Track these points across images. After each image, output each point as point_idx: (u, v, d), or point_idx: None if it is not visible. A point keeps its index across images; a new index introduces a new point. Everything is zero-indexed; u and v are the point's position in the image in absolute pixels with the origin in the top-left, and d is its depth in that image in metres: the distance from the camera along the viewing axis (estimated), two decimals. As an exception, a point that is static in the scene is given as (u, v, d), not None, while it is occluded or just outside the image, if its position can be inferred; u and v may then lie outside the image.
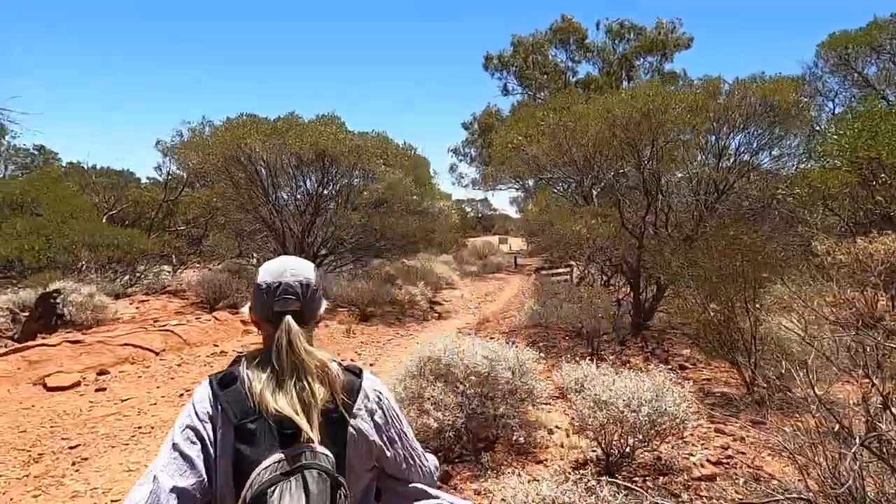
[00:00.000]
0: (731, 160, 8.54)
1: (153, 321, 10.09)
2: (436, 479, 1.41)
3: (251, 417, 1.11)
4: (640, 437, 3.32)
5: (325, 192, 13.30)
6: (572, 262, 15.07)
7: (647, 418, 3.28)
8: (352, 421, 1.19)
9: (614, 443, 3.54)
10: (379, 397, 1.28)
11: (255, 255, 17.58)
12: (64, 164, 31.17)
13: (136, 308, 13.18)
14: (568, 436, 4.57)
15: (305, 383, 1.15)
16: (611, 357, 7.87)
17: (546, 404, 5.02)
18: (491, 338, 10.07)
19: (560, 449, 4.33)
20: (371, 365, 7.85)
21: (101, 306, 10.71)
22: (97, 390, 5.98)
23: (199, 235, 21.59)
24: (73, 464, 4.11)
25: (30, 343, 7.01)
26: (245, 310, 1.37)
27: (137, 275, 17.02)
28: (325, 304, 1.36)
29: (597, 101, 8.60)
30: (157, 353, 7.55)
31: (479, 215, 63.68)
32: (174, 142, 13.93)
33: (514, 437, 4.05)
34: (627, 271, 9.18)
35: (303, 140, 12.13)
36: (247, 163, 12.50)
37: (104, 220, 20.80)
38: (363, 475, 1.24)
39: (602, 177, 9.29)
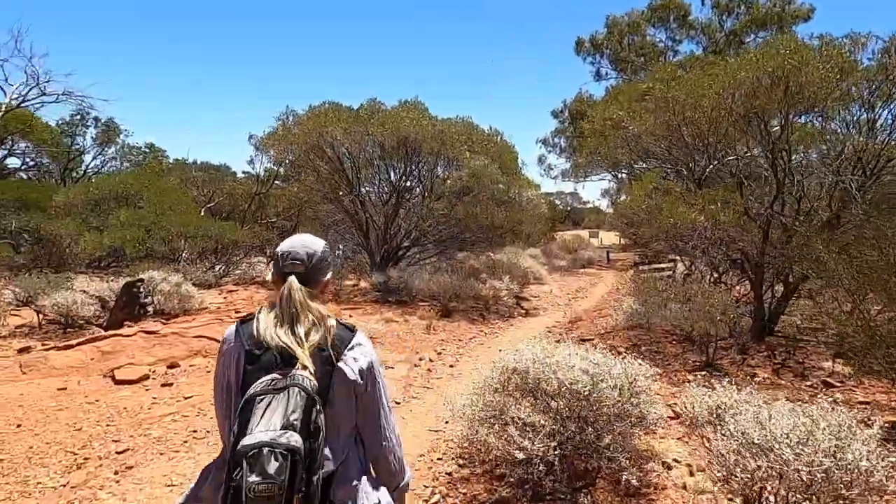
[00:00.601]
0: (888, 133, 6.99)
1: (235, 311, 9.98)
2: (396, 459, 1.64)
3: (259, 347, 1.45)
4: (817, 501, 2.33)
5: (409, 182, 12.78)
6: (675, 257, 13.61)
7: (824, 474, 2.29)
8: (338, 362, 1.49)
9: (769, 499, 2.57)
10: (363, 352, 1.56)
11: (340, 246, 17.53)
12: (171, 161, 33.22)
13: (224, 298, 13.33)
14: (692, 474, 3.60)
15: (299, 326, 1.47)
16: (731, 367, 6.68)
17: (654, 424, 4.05)
18: (584, 340, 9.07)
19: (682, 492, 3.38)
20: (451, 366, 7.16)
21: (187, 296, 10.79)
22: (163, 385, 5.70)
23: (290, 227, 21.98)
24: (116, 473, 3.70)
25: (105, 333, 6.93)
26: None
27: (230, 265, 17.49)
28: (329, 275, 1.68)
29: (715, 66, 7.33)
30: (230, 346, 7.27)
31: (569, 208, 61.52)
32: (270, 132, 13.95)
33: (623, 477, 3.16)
34: (748, 266, 7.85)
35: (385, 126, 11.64)
36: (329, 152, 12.21)
37: (202, 213, 21.71)
38: (344, 408, 1.50)
39: (717, 158, 8.00)
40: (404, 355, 7.62)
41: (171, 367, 6.29)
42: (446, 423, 4.76)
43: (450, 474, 3.78)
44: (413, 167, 12.24)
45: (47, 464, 3.84)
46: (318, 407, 1.34)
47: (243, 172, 26.95)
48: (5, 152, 31.58)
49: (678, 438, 4.21)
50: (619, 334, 8.75)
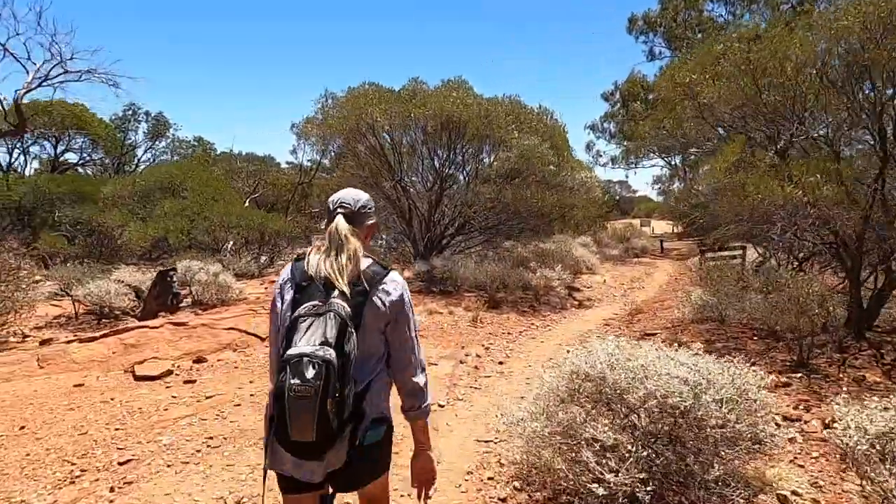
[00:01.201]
0: None
1: (273, 303, 9.55)
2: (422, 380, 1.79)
3: (306, 279, 1.65)
4: None
5: (453, 166, 12.07)
6: (743, 244, 12.42)
7: None
8: (371, 294, 1.66)
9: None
10: (394, 287, 1.72)
11: (383, 235, 17.01)
12: (218, 154, 33.61)
13: (266, 288, 13.00)
14: (819, 512, 2.78)
15: (343, 257, 1.66)
16: (830, 369, 5.70)
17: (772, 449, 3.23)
18: (648, 334, 8.18)
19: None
20: (500, 363, 6.44)
21: (225, 286, 10.44)
22: (185, 382, 5.20)
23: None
24: (111, 490, 3.16)
25: (130, 325, 6.53)
26: None
27: (274, 256, 17.27)
28: (372, 220, 1.86)
29: (807, 16, 6.28)
30: (262, 340, 6.77)
31: (618, 197, 59.53)
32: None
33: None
34: (845, 252, 6.78)
35: (427, 107, 10.95)
36: (369, 136, 11.62)
37: (247, 204, 21.64)
38: (374, 333, 1.68)
39: (805, 127, 6.93)
40: (449, 350, 6.95)
41: (197, 361, 5.81)
42: (497, 432, 4.05)
43: (503, 500, 3.08)
44: (458, 150, 11.50)
45: (39, 476, 3.34)
46: (350, 330, 1.53)
47: (287, 163, 26.82)
48: (63, 147, 32.71)
49: (791, 461, 3.37)
50: (688, 329, 7.82)
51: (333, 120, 11.59)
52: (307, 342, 1.46)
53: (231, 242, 17.74)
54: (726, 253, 11.38)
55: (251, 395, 4.93)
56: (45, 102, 30.69)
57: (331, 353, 1.44)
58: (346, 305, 1.56)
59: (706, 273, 9.92)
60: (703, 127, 7.51)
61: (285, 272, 1.77)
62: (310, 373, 1.40)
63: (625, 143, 32.80)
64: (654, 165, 39.73)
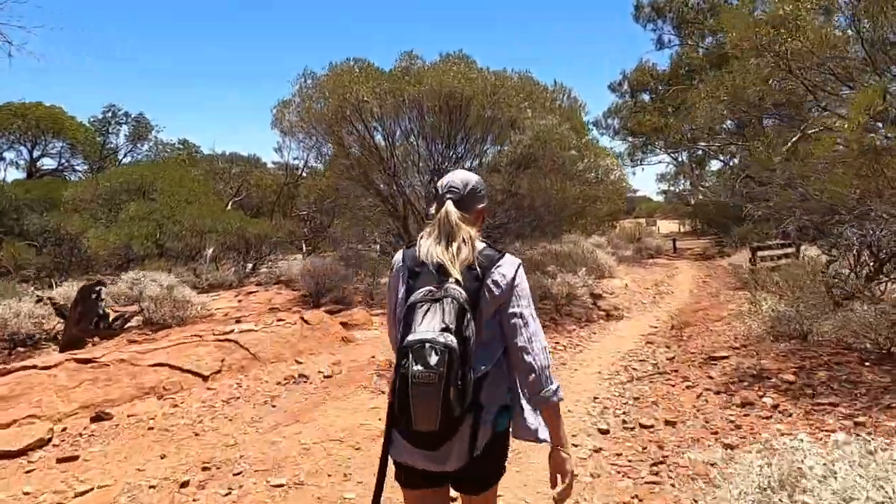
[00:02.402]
0: None
1: (236, 322, 7.77)
2: (544, 356, 1.64)
3: (419, 265, 1.61)
4: None
5: (454, 154, 10.31)
6: (794, 242, 10.67)
7: None
8: (486, 279, 1.60)
9: None
10: (508, 270, 1.64)
11: (378, 241, 15.23)
12: (203, 155, 31.81)
13: (239, 301, 11.22)
14: None
15: (455, 244, 1.61)
16: None
17: None
18: (713, 357, 6.43)
19: None
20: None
21: (183, 301, 8.66)
22: (60, 461, 3.42)
23: (327, 221, 19.81)
24: None
25: (9, 367, 4.73)
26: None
27: (258, 263, 15.52)
28: (483, 204, 1.77)
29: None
30: (205, 378, 4.98)
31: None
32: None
33: None
34: None
35: (423, 84, 9.20)
36: (355, 120, 9.86)
37: (229, 207, 19.87)
38: (491, 319, 1.62)
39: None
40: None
41: (96, 419, 4.02)
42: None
43: None
44: (460, 135, 9.74)
45: None
46: (468, 316, 1.48)
47: (273, 163, 24.93)
48: (39, 152, 30.93)
49: None
50: (764, 349, 6.04)
51: (313, 102, 9.83)
52: (427, 328, 1.43)
53: (211, 249, 16.03)
54: (778, 252, 9.62)
55: (164, 479, 3.16)
56: (20, 105, 29.02)
57: (452, 340, 1.41)
58: (462, 291, 1.51)
59: (763, 276, 8.18)
60: (788, 83, 5.72)
61: (397, 258, 1.74)
62: (433, 359, 1.37)
63: (629, 139, 31.01)
64: (659, 162, 37.96)
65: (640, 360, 6.36)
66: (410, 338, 1.42)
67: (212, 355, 5.34)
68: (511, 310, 1.62)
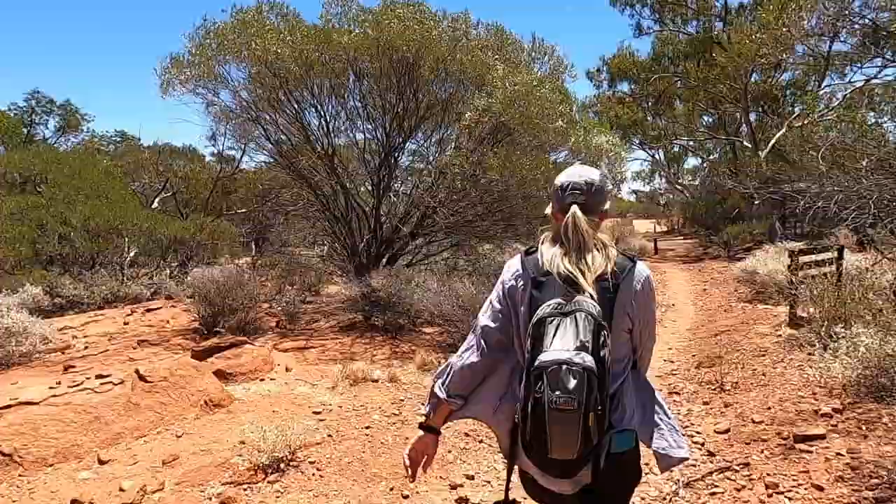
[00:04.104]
0: None
1: (64, 370, 5.19)
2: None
3: (543, 274, 1.48)
4: None
5: (402, 131, 7.87)
6: (838, 245, 8.51)
7: None
8: (620, 290, 1.47)
9: None
10: (643, 280, 1.52)
11: (325, 243, 12.70)
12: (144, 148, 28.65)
13: (126, 324, 8.60)
14: None
15: (585, 254, 1.47)
16: None
17: None
18: (804, 438, 4.10)
19: None
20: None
21: (15, 331, 6.05)
22: None
23: (261, 222, 17.08)
24: None
25: None
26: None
27: (180, 269, 12.84)
28: (608, 204, 1.62)
29: None
30: None
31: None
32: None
33: None
34: None
35: (357, 34, 6.76)
36: (268, 79, 7.35)
37: (155, 204, 17.04)
38: (622, 334, 1.50)
39: None
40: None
41: None
42: None
43: None
44: (410, 103, 7.29)
45: None
46: (605, 332, 1.37)
47: (212, 155, 21.96)
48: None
49: None
50: (870, 418, 3.78)
51: (216, 62, 7.27)
52: (560, 346, 1.33)
53: (133, 253, 13.30)
54: (825, 256, 7.42)
55: None
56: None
57: (590, 360, 1.30)
58: (596, 304, 1.39)
59: (821, 290, 5.96)
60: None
61: (514, 265, 1.60)
62: (571, 383, 1.28)
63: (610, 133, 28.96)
64: (635, 159, 36.03)
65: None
66: (543, 357, 1.32)
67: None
68: (641, 326, 1.55)
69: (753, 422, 4.01)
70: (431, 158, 7.81)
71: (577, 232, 1.47)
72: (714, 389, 4.91)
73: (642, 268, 1.54)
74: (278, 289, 9.98)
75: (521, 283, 1.52)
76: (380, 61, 7.11)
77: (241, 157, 16.95)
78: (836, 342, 4.67)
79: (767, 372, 5.10)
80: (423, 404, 3.14)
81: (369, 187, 8.98)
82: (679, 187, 31.98)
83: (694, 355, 6.30)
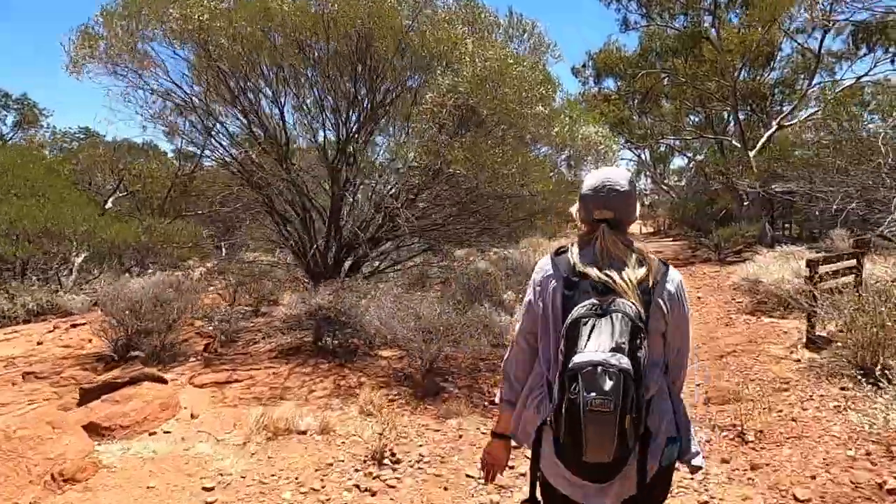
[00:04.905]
0: None
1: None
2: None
3: (576, 274, 1.45)
4: None
5: (357, 120, 6.77)
6: (850, 250, 7.57)
7: None
8: (655, 294, 1.47)
9: None
10: (675, 284, 1.53)
11: (291, 245, 11.52)
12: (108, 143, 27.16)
13: (39, 343, 7.41)
14: None
15: (628, 268, 1.44)
16: None
17: None
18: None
19: None
20: None
21: None
22: None
23: (223, 226, 15.78)
24: None
25: None
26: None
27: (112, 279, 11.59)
28: (638, 210, 1.59)
29: None
30: None
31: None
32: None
33: None
34: None
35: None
36: (202, 61, 6.21)
37: (109, 204, 15.72)
38: (657, 337, 1.49)
39: None
40: None
41: None
42: None
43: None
44: (365, 85, 6.18)
45: None
46: (642, 334, 1.35)
47: (174, 150, 20.58)
48: None
49: None
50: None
51: (129, 33, 6.10)
52: (595, 347, 1.31)
53: (82, 258, 12.05)
54: (847, 264, 6.45)
55: None
56: None
57: (626, 362, 1.28)
58: (633, 304, 1.38)
59: (851, 308, 4.96)
60: None
61: (545, 265, 1.59)
62: (607, 385, 1.25)
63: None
64: (620, 159, 35.23)
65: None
66: (578, 359, 1.30)
67: None
68: (674, 331, 1.54)
69: (796, 500, 2.97)
70: (390, 152, 6.70)
71: (610, 256, 1.47)
72: (733, 439, 3.88)
73: (675, 272, 1.55)
74: (231, 300, 8.82)
75: (553, 283, 1.52)
76: (328, 35, 5.99)
77: (202, 153, 15.71)
78: (890, 379, 3.66)
79: (797, 416, 4.08)
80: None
81: (327, 186, 7.86)
82: (665, 188, 31.34)
83: (699, 384, 5.29)
